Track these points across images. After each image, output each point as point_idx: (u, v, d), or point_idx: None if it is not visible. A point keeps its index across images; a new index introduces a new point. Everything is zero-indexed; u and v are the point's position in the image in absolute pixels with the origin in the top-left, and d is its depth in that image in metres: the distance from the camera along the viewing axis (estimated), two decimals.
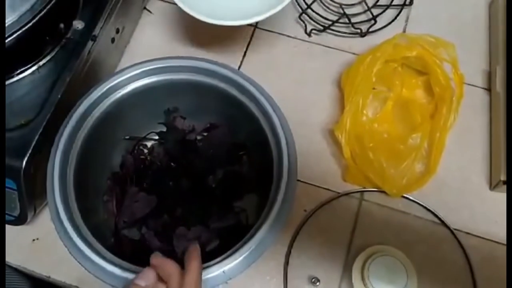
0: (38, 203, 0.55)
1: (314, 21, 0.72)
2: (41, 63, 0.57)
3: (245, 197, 0.59)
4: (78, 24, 0.59)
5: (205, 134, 0.63)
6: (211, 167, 0.60)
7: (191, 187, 0.59)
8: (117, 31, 0.65)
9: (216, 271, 0.45)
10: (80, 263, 0.46)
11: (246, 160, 0.62)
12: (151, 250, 0.54)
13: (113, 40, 0.65)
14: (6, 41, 0.51)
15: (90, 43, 0.58)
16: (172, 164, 0.61)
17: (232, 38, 0.71)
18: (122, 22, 0.66)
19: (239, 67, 0.70)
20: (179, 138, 0.61)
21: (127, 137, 0.62)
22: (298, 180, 0.60)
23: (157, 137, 0.63)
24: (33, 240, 0.59)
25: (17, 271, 0.59)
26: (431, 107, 0.63)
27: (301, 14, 0.71)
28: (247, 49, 0.71)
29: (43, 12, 0.52)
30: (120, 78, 0.54)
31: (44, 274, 0.58)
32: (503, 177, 0.58)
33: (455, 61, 0.61)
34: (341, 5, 0.71)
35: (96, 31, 0.59)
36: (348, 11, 0.71)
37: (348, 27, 0.71)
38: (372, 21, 0.70)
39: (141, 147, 0.62)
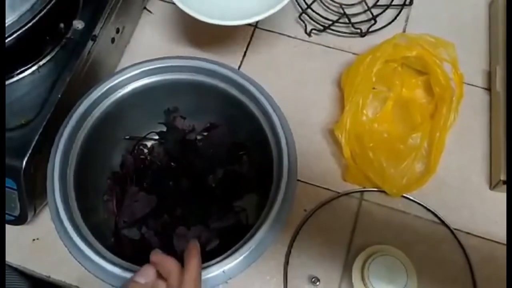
0: (38, 203, 0.55)
1: (314, 21, 0.72)
2: (41, 63, 0.57)
3: (245, 196, 0.60)
4: (78, 24, 0.59)
5: (205, 134, 0.63)
6: (211, 167, 0.60)
7: (191, 187, 0.59)
8: (117, 31, 0.65)
9: (216, 270, 0.45)
10: (80, 263, 0.46)
11: (246, 160, 0.62)
12: (151, 249, 0.54)
13: (113, 40, 0.65)
14: (6, 41, 0.51)
15: (90, 43, 0.58)
16: (172, 164, 0.61)
17: (232, 38, 0.71)
18: (122, 22, 0.66)
19: (239, 67, 0.70)
20: (179, 138, 0.61)
21: (127, 137, 0.62)
22: (298, 180, 0.60)
23: (157, 137, 0.63)
24: (33, 240, 0.59)
25: (17, 271, 0.59)
26: (431, 107, 0.63)
27: (301, 14, 0.71)
28: (247, 49, 0.71)
29: (43, 12, 0.52)
30: (120, 78, 0.54)
31: (44, 274, 0.58)
32: (503, 177, 0.58)
33: (455, 61, 0.61)
34: (341, 5, 0.71)
35: (96, 31, 0.59)
36: (348, 11, 0.71)
37: (348, 27, 0.71)
38: (372, 21, 0.70)
39: (141, 147, 0.62)
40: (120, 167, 0.61)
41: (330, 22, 0.70)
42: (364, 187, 0.61)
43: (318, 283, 0.56)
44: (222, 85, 0.55)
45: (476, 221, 0.60)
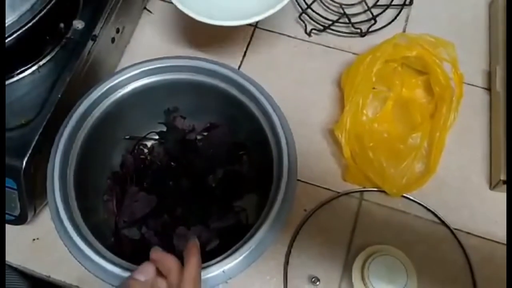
0: (38, 202, 0.55)
1: (314, 21, 0.72)
2: (41, 63, 0.57)
3: (245, 196, 0.60)
4: (78, 24, 0.59)
5: (205, 133, 0.63)
6: (211, 167, 0.60)
7: (191, 186, 0.59)
8: (117, 31, 0.65)
9: (216, 270, 0.45)
10: (80, 263, 0.46)
11: (246, 159, 0.62)
12: None
13: (113, 40, 0.65)
14: (6, 41, 0.51)
15: (90, 43, 0.58)
16: (172, 163, 0.61)
17: (232, 38, 0.71)
18: (122, 22, 0.66)
19: (239, 67, 0.70)
20: (179, 137, 0.61)
21: (127, 136, 0.62)
22: (298, 180, 0.60)
23: (157, 137, 0.63)
24: (33, 239, 0.59)
25: (16, 270, 0.59)
26: (431, 106, 0.63)
27: (301, 14, 0.71)
28: (247, 49, 0.71)
29: (43, 12, 0.52)
30: (120, 78, 0.54)
31: (44, 273, 0.58)
32: (503, 177, 0.58)
33: (455, 60, 0.61)
34: (341, 5, 0.71)
35: (96, 31, 0.59)
36: (348, 11, 0.71)
37: (348, 27, 0.71)
38: (372, 21, 0.70)
39: (141, 147, 0.62)
40: (120, 167, 0.61)
41: (330, 22, 0.70)
42: (364, 187, 0.61)
43: (318, 283, 0.56)
44: (222, 85, 0.55)
45: (476, 221, 0.60)
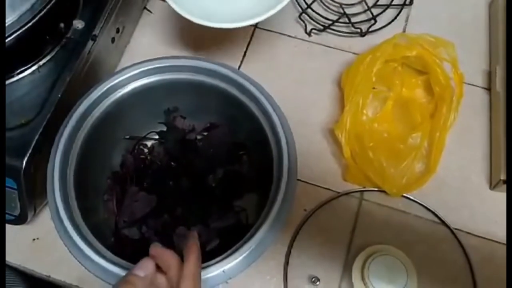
0: (38, 202, 0.55)
1: (314, 20, 0.72)
2: (41, 62, 0.57)
3: (245, 196, 0.60)
4: (78, 24, 0.59)
5: (205, 133, 0.63)
6: (211, 167, 0.60)
7: (191, 186, 0.59)
8: (117, 30, 0.65)
9: (216, 270, 0.45)
10: (80, 263, 0.46)
11: (246, 159, 0.62)
12: None
13: (113, 40, 0.65)
14: (6, 40, 0.51)
15: (90, 42, 0.58)
16: (172, 163, 0.61)
17: (232, 38, 0.71)
18: (122, 22, 0.66)
19: (239, 67, 0.70)
20: (179, 137, 0.61)
21: (127, 136, 0.62)
22: (298, 180, 0.60)
23: (157, 137, 0.63)
24: (33, 239, 0.59)
25: (16, 270, 0.59)
26: (431, 106, 0.63)
27: (301, 14, 0.71)
28: (247, 49, 0.71)
29: (43, 12, 0.52)
30: (120, 77, 0.54)
31: (44, 273, 0.58)
32: (503, 177, 0.58)
33: (455, 60, 0.61)
34: (341, 4, 0.71)
35: (96, 31, 0.59)
36: (348, 10, 0.71)
37: (348, 26, 0.71)
38: (372, 21, 0.70)
39: (141, 147, 0.62)
40: (120, 166, 0.61)
41: (330, 22, 0.70)
42: (364, 187, 0.61)
43: (318, 283, 0.56)
44: (222, 85, 0.55)
45: (476, 221, 0.60)
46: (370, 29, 0.70)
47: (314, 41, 0.71)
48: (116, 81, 0.54)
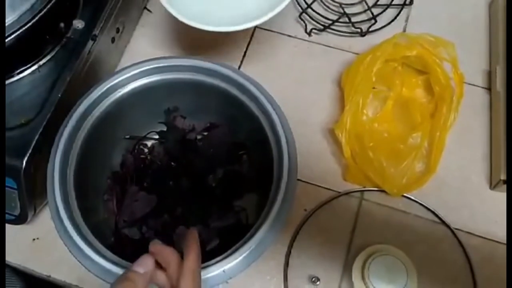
0: (38, 202, 0.55)
1: (314, 20, 0.72)
2: (41, 62, 0.57)
3: (245, 196, 0.60)
4: (78, 24, 0.59)
5: (205, 133, 0.63)
6: (211, 167, 0.60)
7: (191, 186, 0.59)
8: (117, 30, 0.65)
9: (216, 270, 0.45)
10: (80, 262, 0.46)
11: (246, 159, 0.62)
12: None
13: (113, 39, 0.65)
14: (6, 40, 0.51)
15: (90, 42, 0.58)
16: (172, 163, 0.61)
17: (232, 38, 0.71)
18: (122, 22, 0.66)
19: (239, 66, 0.70)
20: (179, 137, 0.61)
21: (127, 136, 0.62)
22: (298, 180, 0.59)
23: (157, 137, 0.63)
24: (33, 239, 0.59)
25: (15, 270, 0.59)
26: (431, 106, 0.63)
27: (301, 14, 0.71)
28: (247, 49, 0.71)
29: (43, 12, 0.52)
30: (120, 77, 0.54)
31: (45, 273, 0.58)
32: (503, 177, 0.58)
33: (455, 60, 0.61)
34: (341, 4, 0.71)
35: (96, 31, 0.59)
36: (348, 10, 0.71)
37: (348, 26, 0.71)
38: (372, 21, 0.70)
39: (141, 147, 0.62)
40: (120, 166, 0.61)
41: (330, 22, 0.70)
42: (364, 187, 0.61)
43: (318, 283, 0.56)
44: (222, 84, 0.55)
45: (476, 221, 0.60)
46: (370, 29, 0.70)
47: (314, 41, 0.71)
48: (116, 81, 0.54)
